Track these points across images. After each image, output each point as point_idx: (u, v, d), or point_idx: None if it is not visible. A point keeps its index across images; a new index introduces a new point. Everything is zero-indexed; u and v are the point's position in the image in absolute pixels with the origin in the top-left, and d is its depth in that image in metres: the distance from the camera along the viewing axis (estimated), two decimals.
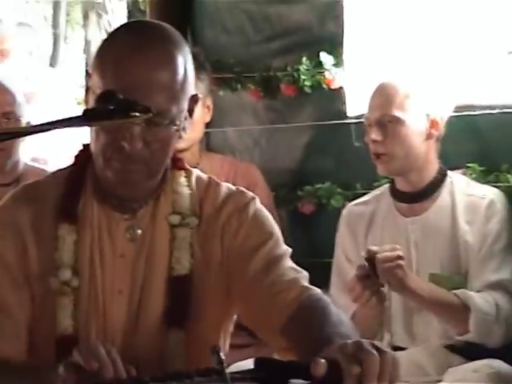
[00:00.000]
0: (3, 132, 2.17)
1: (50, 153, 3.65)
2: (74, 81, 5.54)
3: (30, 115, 3.04)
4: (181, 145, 2.27)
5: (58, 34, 14.72)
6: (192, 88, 1.73)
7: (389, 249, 2.26)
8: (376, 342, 1.38)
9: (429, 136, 2.36)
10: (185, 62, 1.69)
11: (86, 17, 14.33)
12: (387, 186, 2.51)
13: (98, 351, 1.52)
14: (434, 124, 2.36)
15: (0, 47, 4.09)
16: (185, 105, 1.71)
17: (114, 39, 1.77)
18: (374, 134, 2.35)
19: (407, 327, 2.44)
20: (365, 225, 2.50)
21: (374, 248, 2.27)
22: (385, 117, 2.34)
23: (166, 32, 1.74)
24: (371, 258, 2.24)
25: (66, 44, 15.29)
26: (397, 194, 2.46)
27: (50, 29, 14.69)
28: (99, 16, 10.94)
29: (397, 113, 2.33)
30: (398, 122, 2.33)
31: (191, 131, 2.37)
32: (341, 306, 2.17)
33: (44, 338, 1.79)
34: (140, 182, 1.74)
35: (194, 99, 1.74)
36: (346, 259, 2.49)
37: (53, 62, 13.23)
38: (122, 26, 2.04)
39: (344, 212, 2.58)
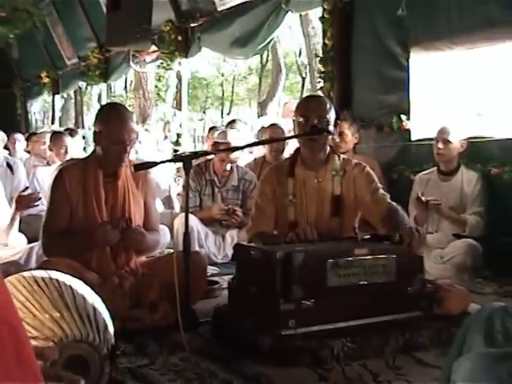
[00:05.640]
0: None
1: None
2: None
3: None
4: (341, 150, 4.36)
5: None
6: (333, 121, 2.97)
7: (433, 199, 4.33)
8: (418, 227, 2.62)
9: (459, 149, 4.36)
10: (331, 110, 2.96)
11: None
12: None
13: (305, 229, 2.75)
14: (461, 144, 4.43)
15: None
16: (331, 127, 2.93)
17: (304, 99, 3.15)
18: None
19: (437, 225, 4.49)
20: (424, 185, 4.50)
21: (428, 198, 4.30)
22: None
23: (324, 98, 3.10)
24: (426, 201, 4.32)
25: None
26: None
27: None
28: None
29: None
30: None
31: (347, 146, 4.64)
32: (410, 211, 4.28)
33: (283, 224, 2.94)
34: (317, 156, 2.88)
35: (334, 125, 2.95)
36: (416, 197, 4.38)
37: None
38: (306, 97, 3.31)
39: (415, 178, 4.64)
